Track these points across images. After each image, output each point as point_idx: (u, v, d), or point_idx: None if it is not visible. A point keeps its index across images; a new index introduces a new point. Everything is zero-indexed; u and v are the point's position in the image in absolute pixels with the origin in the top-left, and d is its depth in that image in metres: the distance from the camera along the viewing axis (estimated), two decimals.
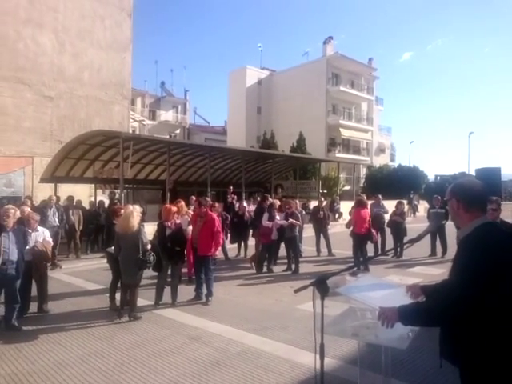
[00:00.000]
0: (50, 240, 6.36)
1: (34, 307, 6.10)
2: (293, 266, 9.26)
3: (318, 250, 11.60)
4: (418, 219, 23.19)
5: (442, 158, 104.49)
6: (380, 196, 11.74)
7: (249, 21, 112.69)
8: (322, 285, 2.31)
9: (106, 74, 19.19)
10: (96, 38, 18.86)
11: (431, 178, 37.28)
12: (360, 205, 9.77)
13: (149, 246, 6.03)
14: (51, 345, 4.86)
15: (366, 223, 9.48)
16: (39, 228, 6.22)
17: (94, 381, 3.96)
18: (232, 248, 11.35)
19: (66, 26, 17.80)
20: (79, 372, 4.13)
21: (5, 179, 16.00)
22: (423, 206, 28.70)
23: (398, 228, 10.96)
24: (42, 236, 6.12)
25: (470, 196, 2.08)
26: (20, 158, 16.32)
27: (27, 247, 5.65)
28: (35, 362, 4.37)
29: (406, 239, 10.41)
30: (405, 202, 13.86)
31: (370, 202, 11.32)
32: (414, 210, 27.85)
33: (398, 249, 10.95)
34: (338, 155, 35.79)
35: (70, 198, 11.69)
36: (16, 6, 16.30)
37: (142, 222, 6.21)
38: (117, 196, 14.30)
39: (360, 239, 9.42)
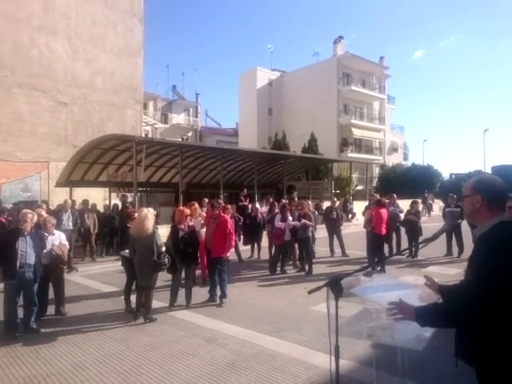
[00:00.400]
0: (66, 243, 6.47)
1: (51, 310, 6.20)
2: (306, 267, 9.23)
3: (332, 251, 11.53)
4: (432, 218, 22.91)
5: (456, 156, 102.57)
6: (395, 195, 11.62)
7: (258, 22, 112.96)
8: (335, 286, 2.29)
9: (119, 78, 19.44)
10: (108, 43, 19.13)
11: (445, 176, 36.83)
12: (379, 204, 9.62)
13: (163, 249, 6.08)
14: (69, 347, 4.93)
15: (386, 223, 9.38)
16: (55, 231, 6.33)
17: (111, 382, 4.01)
18: (245, 250, 11.37)
19: (79, 32, 18.10)
20: (96, 374, 4.19)
21: (22, 184, 16.33)
22: (438, 205, 28.36)
23: (413, 227, 10.80)
24: (58, 239, 6.22)
25: (494, 193, 2.03)
26: (36, 163, 16.65)
27: (44, 251, 5.75)
28: (53, 364, 4.44)
29: (421, 239, 10.28)
30: (419, 201, 13.68)
31: None
32: (429, 209, 27.49)
33: (413, 248, 10.83)
34: (350, 155, 35.52)
35: (85, 202, 11.85)
36: (29, 14, 16.62)
37: (155, 225, 6.27)
38: (129, 199, 14.43)
39: (380, 239, 9.31)
